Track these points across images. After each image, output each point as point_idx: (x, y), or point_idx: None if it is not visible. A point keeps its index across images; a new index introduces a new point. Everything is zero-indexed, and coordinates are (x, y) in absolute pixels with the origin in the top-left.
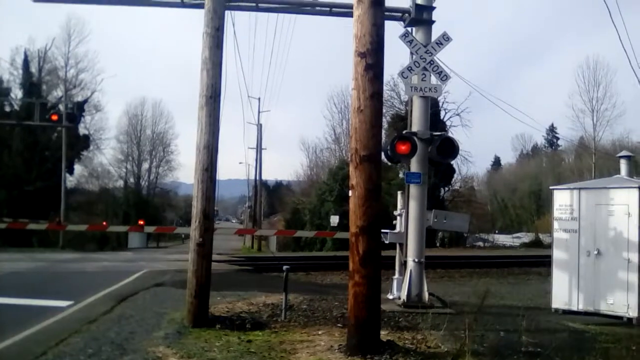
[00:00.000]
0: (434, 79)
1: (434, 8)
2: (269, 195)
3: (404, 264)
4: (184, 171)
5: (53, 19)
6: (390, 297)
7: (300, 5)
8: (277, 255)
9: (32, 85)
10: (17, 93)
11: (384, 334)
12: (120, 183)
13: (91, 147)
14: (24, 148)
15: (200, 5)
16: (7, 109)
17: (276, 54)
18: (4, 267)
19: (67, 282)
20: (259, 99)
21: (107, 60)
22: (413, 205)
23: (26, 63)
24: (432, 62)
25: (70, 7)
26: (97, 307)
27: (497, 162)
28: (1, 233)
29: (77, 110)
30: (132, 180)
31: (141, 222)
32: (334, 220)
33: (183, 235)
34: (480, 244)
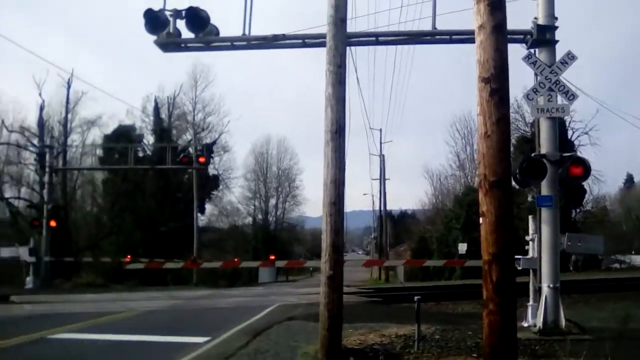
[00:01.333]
0: (560, 99)
1: (557, 28)
2: (394, 225)
3: (538, 290)
4: (309, 205)
5: (180, 66)
6: (525, 324)
7: (420, 35)
8: (406, 286)
9: (162, 131)
10: (149, 139)
11: None
12: (249, 220)
13: (220, 187)
14: (157, 191)
15: (322, 44)
16: (141, 154)
17: (396, 83)
18: (143, 306)
19: (203, 318)
20: (381, 130)
21: (231, 102)
22: (545, 229)
23: (157, 110)
24: (557, 82)
25: (196, 54)
26: (232, 342)
27: (630, 180)
28: (139, 272)
29: (207, 152)
30: (260, 216)
31: (272, 257)
32: (462, 248)
33: (311, 269)
34: (617, 265)
